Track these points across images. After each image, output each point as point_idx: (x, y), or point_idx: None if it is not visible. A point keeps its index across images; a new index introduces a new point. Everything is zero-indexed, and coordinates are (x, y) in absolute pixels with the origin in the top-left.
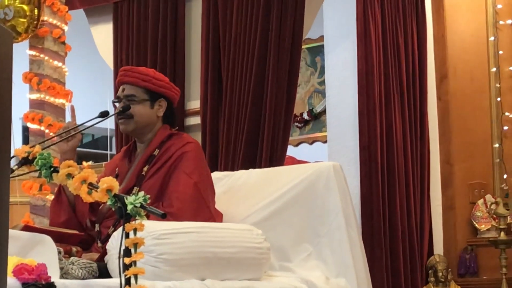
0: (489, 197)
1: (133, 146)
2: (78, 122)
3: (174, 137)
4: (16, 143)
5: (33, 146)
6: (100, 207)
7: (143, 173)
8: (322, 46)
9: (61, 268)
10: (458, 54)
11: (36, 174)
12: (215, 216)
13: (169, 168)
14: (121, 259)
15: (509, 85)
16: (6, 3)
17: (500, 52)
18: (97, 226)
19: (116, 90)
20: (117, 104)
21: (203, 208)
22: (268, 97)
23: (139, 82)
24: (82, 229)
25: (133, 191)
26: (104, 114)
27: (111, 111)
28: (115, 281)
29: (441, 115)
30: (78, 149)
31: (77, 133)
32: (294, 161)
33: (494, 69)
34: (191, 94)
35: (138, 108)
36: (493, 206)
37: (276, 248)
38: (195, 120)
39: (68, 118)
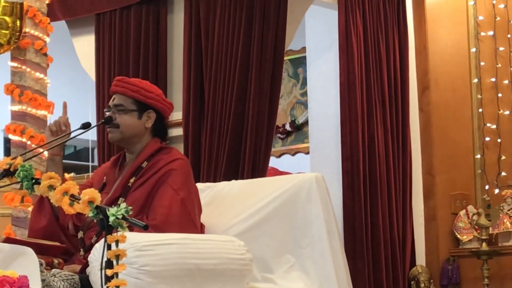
0: (471, 208)
1: (123, 156)
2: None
3: (164, 151)
4: None
5: (15, 157)
6: (86, 215)
7: (129, 184)
8: (304, 57)
9: (43, 280)
10: (440, 65)
11: (18, 186)
12: (200, 232)
13: (155, 181)
14: (103, 271)
15: (491, 96)
16: None
17: (482, 63)
18: (80, 233)
19: (105, 100)
20: (107, 113)
21: (189, 224)
22: (250, 108)
23: (128, 92)
24: (62, 236)
25: (118, 202)
26: (86, 126)
27: (93, 122)
28: None
29: (423, 126)
30: None
31: (67, 133)
32: (277, 172)
33: (475, 80)
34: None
35: (125, 118)
36: (475, 217)
37: (258, 259)
38: (178, 132)
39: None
